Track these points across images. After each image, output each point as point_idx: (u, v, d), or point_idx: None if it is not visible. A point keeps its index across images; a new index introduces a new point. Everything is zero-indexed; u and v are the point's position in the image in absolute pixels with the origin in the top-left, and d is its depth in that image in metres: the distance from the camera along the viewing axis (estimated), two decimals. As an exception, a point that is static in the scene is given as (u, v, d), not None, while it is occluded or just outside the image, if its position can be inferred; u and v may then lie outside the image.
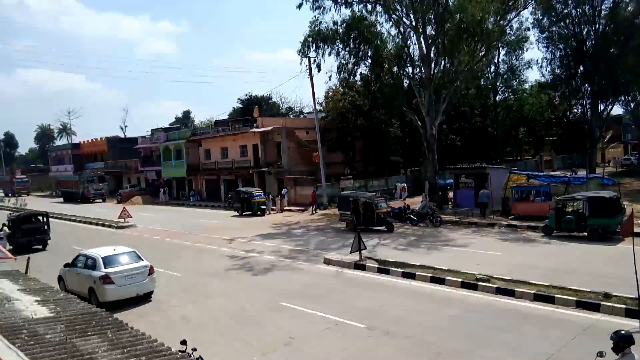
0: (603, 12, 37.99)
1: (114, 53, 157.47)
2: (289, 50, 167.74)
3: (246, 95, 61.44)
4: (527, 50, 49.66)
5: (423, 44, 29.51)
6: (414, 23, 29.31)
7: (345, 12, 30.52)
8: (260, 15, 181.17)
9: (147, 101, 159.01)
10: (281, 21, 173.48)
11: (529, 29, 40.94)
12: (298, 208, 34.71)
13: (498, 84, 49.66)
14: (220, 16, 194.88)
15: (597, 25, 38.17)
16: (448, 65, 30.18)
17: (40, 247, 24.26)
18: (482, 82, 46.96)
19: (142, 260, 14.50)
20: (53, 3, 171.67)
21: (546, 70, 42.20)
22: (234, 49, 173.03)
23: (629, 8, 37.45)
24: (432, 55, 29.78)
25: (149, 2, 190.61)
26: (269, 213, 34.11)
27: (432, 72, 29.85)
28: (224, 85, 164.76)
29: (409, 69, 32.31)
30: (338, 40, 30.45)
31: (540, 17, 39.35)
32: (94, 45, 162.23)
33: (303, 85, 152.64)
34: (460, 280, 13.89)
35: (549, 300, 11.96)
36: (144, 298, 14.27)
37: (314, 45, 30.72)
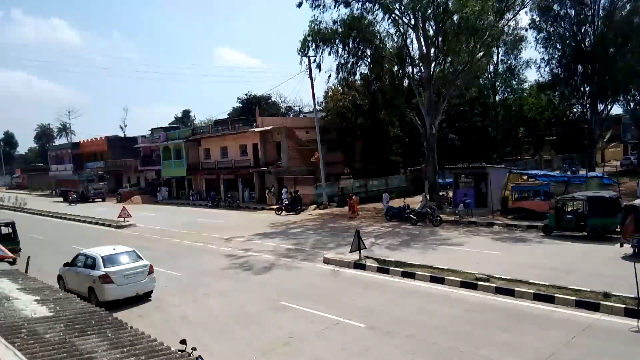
0: (601, 12, 38.02)
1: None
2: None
3: (246, 94, 61.62)
4: (524, 50, 49.71)
5: (423, 43, 29.49)
6: (413, 22, 29.27)
7: (345, 12, 30.56)
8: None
9: (148, 103, 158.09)
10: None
11: (526, 29, 41.00)
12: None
13: (497, 83, 49.69)
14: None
15: (595, 26, 38.18)
16: (448, 64, 30.16)
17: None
18: (481, 82, 46.95)
19: (142, 259, 14.50)
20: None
21: (544, 70, 42.28)
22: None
23: (627, 8, 37.46)
24: (431, 54, 29.76)
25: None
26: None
27: (431, 72, 29.84)
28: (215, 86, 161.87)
29: (409, 69, 32.22)
30: (337, 40, 30.38)
31: (537, 18, 39.36)
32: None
33: (303, 85, 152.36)
34: (459, 279, 13.89)
35: (549, 299, 11.96)
36: (144, 297, 14.27)
37: (313, 44, 30.66)
